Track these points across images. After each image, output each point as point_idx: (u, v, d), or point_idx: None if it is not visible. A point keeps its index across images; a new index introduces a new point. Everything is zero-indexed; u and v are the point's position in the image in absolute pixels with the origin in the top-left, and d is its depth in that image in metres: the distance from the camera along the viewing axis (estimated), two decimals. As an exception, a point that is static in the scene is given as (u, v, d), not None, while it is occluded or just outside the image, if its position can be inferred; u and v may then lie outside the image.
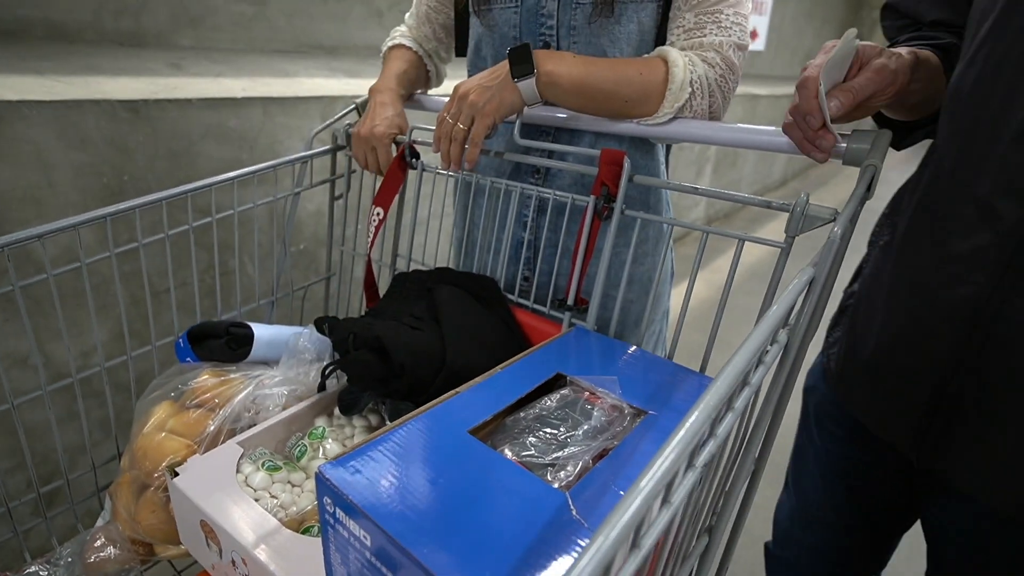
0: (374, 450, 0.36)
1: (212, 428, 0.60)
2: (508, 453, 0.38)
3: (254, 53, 1.43)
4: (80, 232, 0.63)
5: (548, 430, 0.40)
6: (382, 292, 0.75)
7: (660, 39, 0.67)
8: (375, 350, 0.55)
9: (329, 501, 0.33)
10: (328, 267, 0.92)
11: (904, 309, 0.55)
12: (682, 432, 0.27)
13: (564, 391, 0.45)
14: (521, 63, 0.59)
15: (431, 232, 0.81)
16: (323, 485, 0.33)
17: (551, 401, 0.44)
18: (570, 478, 0.36)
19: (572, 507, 0.32)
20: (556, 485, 0.36)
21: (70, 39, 1.15)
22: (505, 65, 0.60)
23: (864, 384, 0.60)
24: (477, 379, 0.45)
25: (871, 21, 5.80)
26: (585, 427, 0.40)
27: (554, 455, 0.37)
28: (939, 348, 0.51)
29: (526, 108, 0.63)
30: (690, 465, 0.30)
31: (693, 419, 0.28)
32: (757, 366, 0.38)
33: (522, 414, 0.42)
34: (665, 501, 0.29)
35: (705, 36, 0.63)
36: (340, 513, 0.33)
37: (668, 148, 0.80)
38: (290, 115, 1.17)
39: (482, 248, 0.76)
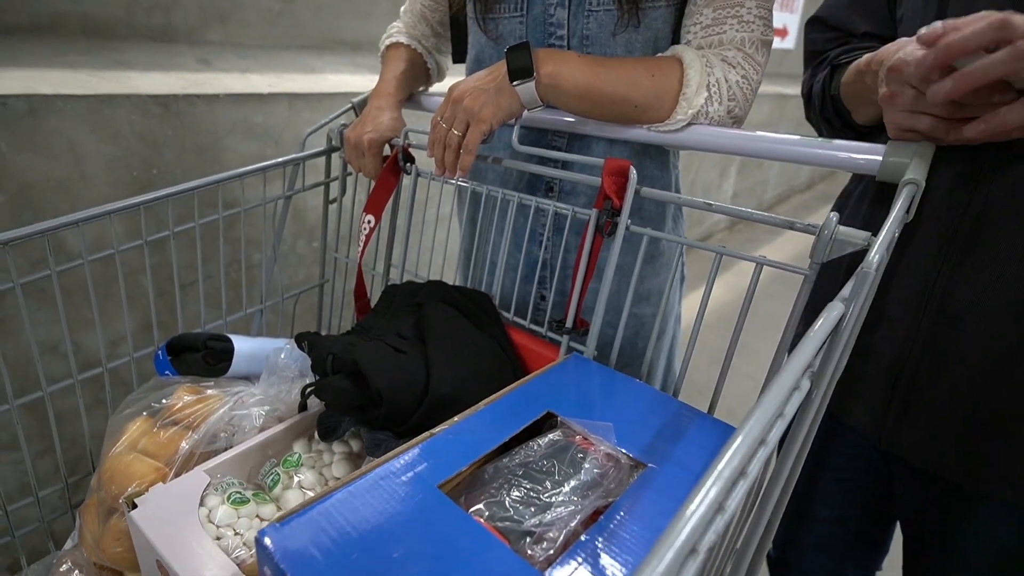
0: (326, 509, 0.31)
1: (184, 450, 0.57)
2: (483, 515, 0.33)
3: (280, 49, 1.43)
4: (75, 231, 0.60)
5: (532, 484, 0.35)
6: (375, 303, 0.70)
7: (676, 43, 0.62)
8: (352, 374, 0.51)
9: (268, 573, 0.29)
10: (322, 274, 0.89)
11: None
12: (684, 525, 0.22)
13: (553, 435, 0.40)
14: (520, 64, 0.54)
15: (426, 241, 0.76)
16: (263, 552, 0.29)
17: (538, 446, 0.39)
18: (551, 551, 0.31)
19: (548, 592, 0.27)
20: (536, 558, 0.31)
21: (104, 34, 1.17)
22: (503, 65, 0.55)
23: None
24: (457, 417, 0.40)
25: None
26: (573, 482, 0.35)
27: (536, 519, 0.33)
28: (895, 330, 0.55)
29: (526, 112, 0.58)
30: (693, 551, 0.25)
31: (696, 505, 0.23)
32: (775, 420, 0.33)
33: (504, 460, 0.37)
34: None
35: (725, 32, 0.57)
36: (279, 588, 0.28)
37: (677, 154, 0.75)
38: (315, 111, 1.17)
39: (482, 264, 0.71)
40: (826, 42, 0.66)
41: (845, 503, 0.70)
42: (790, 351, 0.81)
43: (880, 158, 0.47)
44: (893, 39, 0.57)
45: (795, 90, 3.56)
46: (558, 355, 0.59)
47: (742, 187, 3.31)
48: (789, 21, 3.69)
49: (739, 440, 0.26)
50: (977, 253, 0.49)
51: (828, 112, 0.62)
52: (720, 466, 0.25)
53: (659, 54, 0.59)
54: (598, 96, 0.55)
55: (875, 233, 0.40)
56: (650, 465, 0.37)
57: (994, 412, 0.50)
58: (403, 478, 0.34)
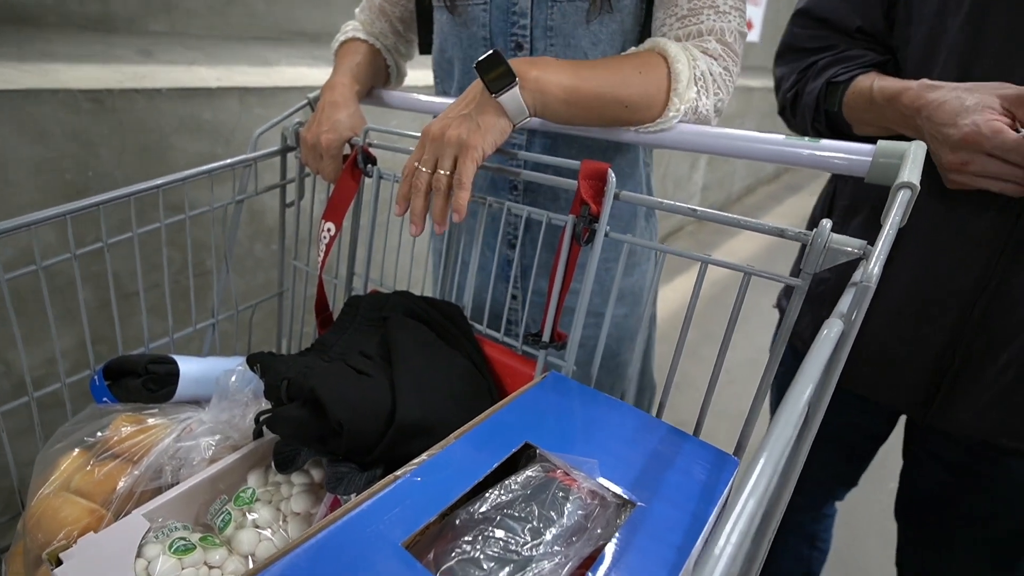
0: (271, 581, 0.27)
1: (123, 488, 0.51)
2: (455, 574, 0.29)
3: (231, 40, 1.35)
4: None
5: (508, 535, 0.31)
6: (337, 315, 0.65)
7: (644, 38, 0.59)
8: (310, 402, 0.46)
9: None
10: (280, 282, 0.83)
11: (905, 288, 0.61)
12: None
13: (531, 471, 0.36)
14: (497, 73, 0.47)
15: (391, 247, 0.71)
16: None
17: (515, 484, 0.35)
18: (532, 616, 0.27)
19: (531, 674, 0.24)
20: (514, 623, 0.27)
21: (32, 23, 1.07)
22: (476, 85, 0.49)
23: (862, 360, 0.65)
24: (424, 455, 0.36)
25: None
26: (555, 530, 0.31)
27: (514, 577, 0.29)
28: (950, 310, 0.58)
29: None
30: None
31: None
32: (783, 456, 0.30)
33: (477, 505, 0.34)
34: None
35: (703, 23, 0.54)
36: None
37: (648, 151, 0.72)
38: (269, 106, 1.10)
39: (452, 269, 0.67)
40: (811, 38, 0.66)
41: (838, 460, 0.79)
42: (783, 365, 0.80)
43: (869, 159, 0.45)
44: (884, 36, 0.62)
45: (761, 83, 3.60)
46: (534, 369, 0.56)
47: (711, 179, 3.34)
48: (754, 14, 3.73)
49: (751, 485, 0.23)
50: None
51: (820, 124, 0.64)
52: (734, 517, 0.22)
53: (636, 48, 0.55)
54: (587, 99, 0.50)
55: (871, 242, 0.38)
56: (639, 504, 0.33)
57: None
58: (361, 536, 0.29)
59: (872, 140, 0.57)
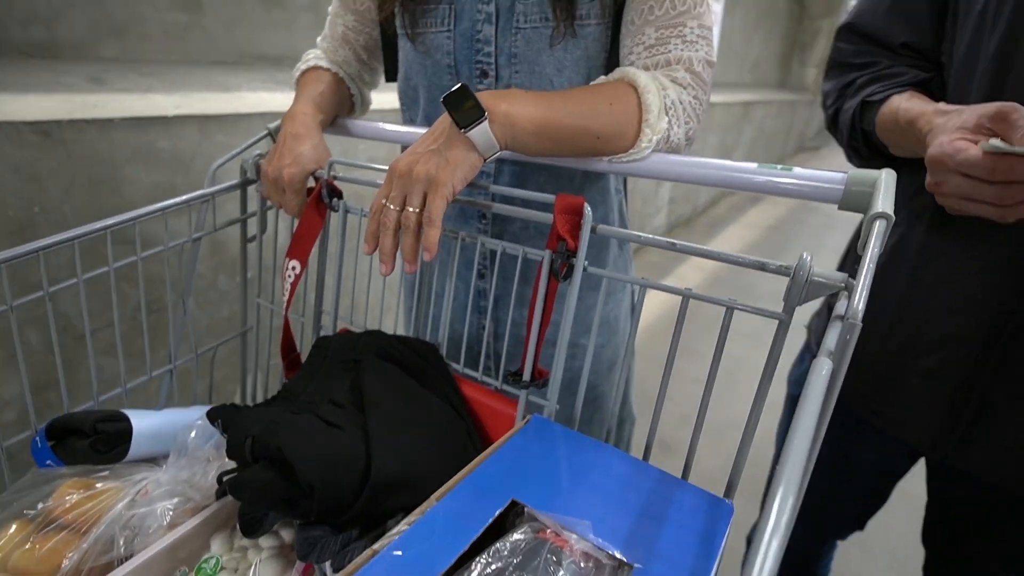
0: None
1: (69, 565, 0.46)
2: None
3: (189, 65, 1.29)
4: None
5: (498, 611, 0.29)
6: (305, 355, 0.62)
7: (610, 64, 0.59)
8: (277, 460, 0.43)
9: None
10: (244, 320, 0.79)
11: (923, 311, 0.58)
12: None
13: (520, 534, 0.34)
14: (465, 108, 0.45)
15: (360, 282, 0.68)
16: None
17: (505, 549, 0.33)
18: None
19: None
20: None
21: None
22: (444, 120, 0.47)
23: (877, 386, 0.63)
24: (403, 524, 0.33)
25: (812, 31, 6.00)
26: (549, 602, 0.29)
27: (506, 664, 0.26)
28: (967, 347, 0.55)
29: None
30: None
31: None
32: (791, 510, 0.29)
33: (464, 577, 0.31)
34: None
35: (671, 52, 0.55)
36: None
37: (620, 177, 0.72)
38: (230, 134, 1.05)
39: (426, 305, 0.64)
40: (854, 54, 0.64)
41: (846, 498, 0.75)
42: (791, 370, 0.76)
43: (841, 187, 0.45)
44: (932, 52, 0.60)
45: (722, 98, 3.71)
46: (515, 409, 0.53)
47: (677, 193, 3.40)
48: (711, 31, 3.85)
49: (764, 548, 0.22)
50: None
51: (857, 143, 0.63)
52: None
53: (605, 78, 0.55)
54: (557, 131, 0.49)
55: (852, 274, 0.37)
56: (636, 565, 0.31)
57: None
58: (338, 628, 0.27)
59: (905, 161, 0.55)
